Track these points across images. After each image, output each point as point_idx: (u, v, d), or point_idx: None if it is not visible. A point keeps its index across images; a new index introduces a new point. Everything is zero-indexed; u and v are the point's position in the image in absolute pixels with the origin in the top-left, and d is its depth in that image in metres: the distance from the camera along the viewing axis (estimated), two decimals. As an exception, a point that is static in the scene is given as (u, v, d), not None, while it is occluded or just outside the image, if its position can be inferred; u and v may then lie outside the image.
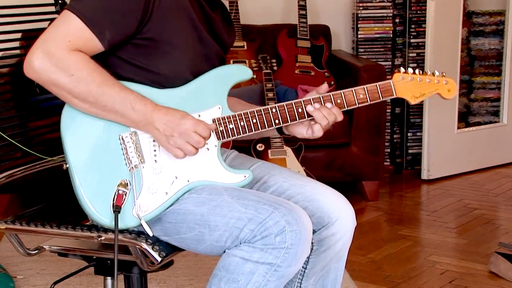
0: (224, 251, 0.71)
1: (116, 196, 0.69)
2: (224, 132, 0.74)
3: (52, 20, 0.74)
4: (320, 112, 0.74)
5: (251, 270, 0.68)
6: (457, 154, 1.93)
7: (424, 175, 1.89)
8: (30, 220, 0.79)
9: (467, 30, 2.06)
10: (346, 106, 0.75)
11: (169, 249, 0.74)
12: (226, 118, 0.74)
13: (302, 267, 0.78)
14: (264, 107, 0.75)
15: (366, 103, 0.75)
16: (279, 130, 0.78)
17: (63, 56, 0.68)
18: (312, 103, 0.74)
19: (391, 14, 1.94)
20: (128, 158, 0.71)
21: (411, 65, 1.95)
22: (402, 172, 1.99)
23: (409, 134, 1.98)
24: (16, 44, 0.87)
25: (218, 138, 0.75)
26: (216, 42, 0.78)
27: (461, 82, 2.02)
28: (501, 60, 2.06)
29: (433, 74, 0.75)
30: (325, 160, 1.67)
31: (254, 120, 0.74)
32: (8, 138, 0.77)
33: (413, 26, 1.94)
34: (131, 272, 0.79)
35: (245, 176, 0.74)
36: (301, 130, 0.77)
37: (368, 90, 0.75)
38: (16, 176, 0.82)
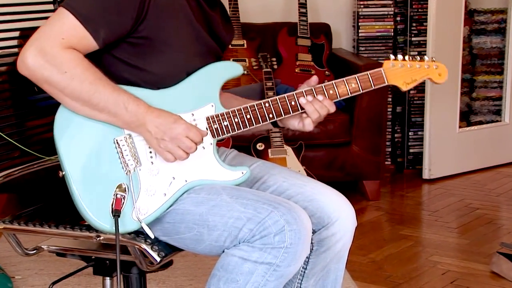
0: (223, 251, 0.70)
1: (114, 201, 0.69)
2: (219, 130, 0.74)
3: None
4: (312, 105, 0.74)
5: (250, 270, 0.68)
6: (458, 154, 1.92)
7: (426, 175, 1.88)
8: (28, 220, 0.79)
9: (469, 28, 2.04)
10: (338, 97, 0.74)
11: (168, 249, 0.74)
12: (220, 115, 0.74)
13: (302, 267, 0.78)
14: (257, 102, 0.74)
15: (359, 92, 0.74)
16: (273, 122, 0.78)
17: (56, 54, 0.67)
18: (305, 95, 0.74)
19: (392, 12, 1.93)
20: (124, 162, 0.71)
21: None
22: (403, 171, 1.98)
23: (410, 133, 1.97)
24: (14, 42, 0.87)
25: (213, 136, 0.74)
26: (214, 41, 0.78)
27: (463, 81, 2.00)
28: (503, 59, 2.06)
29: (423, 59, 0.75)
30: (326, 159, 1.66)
31: (248, 116, 0.74)
32: (6, 137, 0.77)
33: (414, 24, 1.94)
34: (130, 272, 0.79)
35: (242, 173, 0.74)
36: (293, 122, 0.77)
37: (360, 79, 0.74)
38: (14, 175, 0.82)
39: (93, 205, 0.70)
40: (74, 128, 0.71)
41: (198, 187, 0.73)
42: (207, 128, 0.74)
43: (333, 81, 0.75)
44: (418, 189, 1.82)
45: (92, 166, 0.70)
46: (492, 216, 1.60)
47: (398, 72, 0.74)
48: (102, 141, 0.71)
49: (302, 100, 0.74)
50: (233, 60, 1.75)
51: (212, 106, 0.74)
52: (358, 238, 1.43)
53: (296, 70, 1.80)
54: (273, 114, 0.74)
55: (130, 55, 0.72)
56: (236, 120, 0.73)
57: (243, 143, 1.55)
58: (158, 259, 0.72)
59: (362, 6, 1.91)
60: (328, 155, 1.66)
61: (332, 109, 0.75)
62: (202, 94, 0.74)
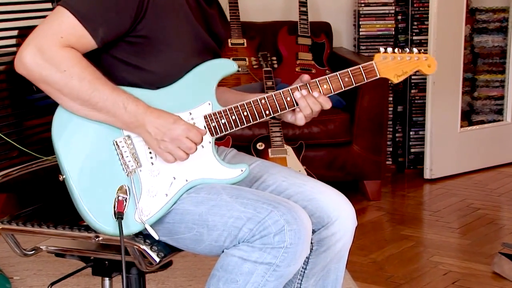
0: (223, 251, 0.70)
1: (116, 203, 0.69)
2: (217, 128, 0.74)
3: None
4: (305, 100, 0.74)
5: (250, 270, 0.68)
6: (460, 153, 1.91)
7: (427, 175, 1.88)
8: (27, 220, 0.78)
9: (470, 27, 2.04)
10: (332, 91, 0.75)
11: (168, 250, 0.74)
12: (217, 113, 0.73)
13: (302, 267, 0.77)
14: (253, 99, 0.74)
15: (352, 86, 0.75)
16: None
17: (55, 52, 0.67)
18: (299, 90, 0.74)
19: (393, 11, 1.92)
20: (124, 163, 0.71)
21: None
22: (404, 171, 1.97)
23: (411, 133, 1.96)
24: (13, 41, 0.86)
25: (212, 134, 0.74)
26: (212, 38, 0.77)
27: (464, 80, 1.99)
28: (505, 58, 2.05)
29: (412, 51, 0.76)
30: (326, 159, 1.66)
31: (245, 113, 0.74)
32: (4, 137, 0.76)
33: (415, 23, 1.93)
34: (129, 272, 0.78)
35: (242, 170, 0.74)
36: (287, 114, 0.77)
37: (352, 73, 0.75)
38: (12, 175, 0.81)
39: (95, 208, 0.69)
40: (72, 130, 0.70)
41: (198, 187, 0.73)
42: (205, 127, 0.73)
43: (327, 76, 0.75)
44: (419, 189, 1.81)
45: (92, 169, 0.70)
46: (493, 216, 1.60)
47: (389, 65, 0.75)
48: (101, 143, 0.70)
49: (296, 95, 0.74)
50: (233, 59, 1.73)
51: (209, 104, 0.74)
52: (359, 238, 1.44)
53: (297, 69, 1.79)
54: (269, 111, 0.74)
55: (129, 55, 0.72)
56: (233, 117, 0.73)
57: (243, 143, 1.55)
58: (158, 260, 0.72)
59: (363, 5, 1.91)
60: (329, 155, 1.65)
61: (328, 105, 0.75)
62: (198, 93, 0.74)
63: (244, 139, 1.58)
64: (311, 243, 0.75)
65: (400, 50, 0.76)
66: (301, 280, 0.78)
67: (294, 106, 0.75)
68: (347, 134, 1.65)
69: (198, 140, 0.70)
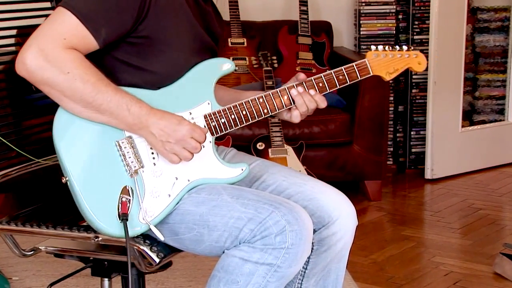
0: (224, 252, 0.70)
1: (120, 204, 0.68)
2: (217, 127, 0.74)
3: (48, 16, 0.72)
4: (301, 97, 0.75)
5: (251, 271, 0.67)
6: (461, 153, 1.91)
7: (428, 175, 1.87)
8: (26, 221, 0.78)
9: (472, 26, 2.03)
10: (328, 89, 0.76)
11: (168, 250, 0.73)
12: (217, 113, 0.74)
13: (303, 267, 0.77)
14: (251, 98, 0.75)
15: (346, 84, 0.76)
16: None
17: (58, 54, 0.66)
18: (295, 87, 0.75)
19: (394, 10, 1.92)
20: (127, 164, 0.70)
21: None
22: (405, 171, 1.97)
23: (412, 133, 1.96)
24: (12, 40, 0.86)
25: (212, 134, 0.74)
26: (210, 36, 0.77)
27: (466, 80, 1.99)
28: (506, 57, 2.04)
29: (402, 49, 0.78)
30: (327, 159, 1.65)
31: (244, 112, 0.74)
32: (1, 138, 0.76)
33: (416, 22, 1.92)
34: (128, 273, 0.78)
35: (242, 169, 0.74)
36: (282, 112, 0.77)
37: (346, 71, 0.76)
38: (11, 175, 0.81)
39: (99, 210, 0.69)
40: (74, 132, 0.70)
41: (199, 187, 0.72)
42: (205, 126, 0.73)
43: (322, 74, 0.76)
44: (420, 189, 1.81)
45: (95, 170, 0.69)
46: (495, 217, 1.59)
47: (381, 62, 0.76)
48: (103, 144, 0.70)
49: (293, 92, 0.75)
50: (233, 59, 1.74)
51: (209, 103, 0.74)
52: (360, 238, 1.44)
53: (297, 69, 1.79)
54: (267, 109, 0.75)
55: (130, 56, 0.71)
56: (233, 117, 0.74)
57: (243, 143, 1.54)
58: (157, 260, 0.71)
59: (363, 4, 1.90)
60: (329, 155, 1.65)
61: (323, 104, 0.76)
62: (198, 92, 0.74)
63: (244, 139, 1.57)
64: (312, 243, 0.75)
65: (390, 47, 0.77)
66: (302, 280, 0.77)
67: (291, 105, 0.75)
68: (347, 134, 1.65)
69: (202, 140, 0.70)
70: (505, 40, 2.04)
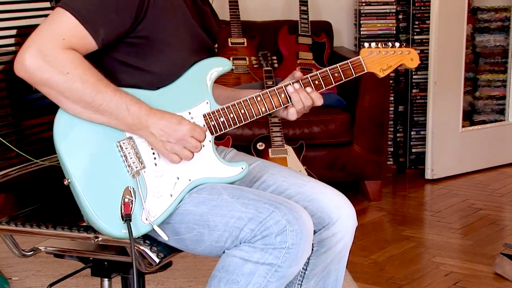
0: (224, 252, 0.70)
1: (123, 205, 0.68)
2: (217, 126, 0.74)
3: (47, 16, 0.72)
4: (297, 94, 0.75)
5: (251, 271, 0.67)
6: (461, 153, 1.90)
7: (428, 175, 1.87)
8: (26, 221, 0.78)
9: (472, 26, 2.03)
10: (324, 86, 0.77)
11: (168, 250, 0.73)
12: (216, 112, 0.74)
13: (302, 268, 0.77)
14: (249, 96, 0.75)
15: (342, 81, 0.77)
16: None
17: (57, 54, 0.66)
18: (292, 84, 0.76)
19: (394, 10, 1.92)
20: (129, 165, 0.70)
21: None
22: (405, 171, 1.97)
23: (412, 133, 1.96)
24: (11, 40, 0.86)
25: (212, 133, 0.74)
26: (207, 36, 0.78)
27: (466, 80, 1.99)
28: (507, 57, 2.04)
29: (394, 46, 0.78)
30: (327, 159, 1.65)
31: (243, 111, 0.74)
32: (0, 138, 0.76)
33: (416, 22, 1.92)
34: (128, 273, 0.78)
35: (242, 168, 0.74)
36: (279, 109, 0.78)
37: (341, 69, 0.77)
38: (11, 175, 0.81)
39: (101, 211, 0.69)
40: (75, 133, 0.70)
41: (199, 187, 0.72)
42: (204, 126, 0.74)
43: (317, 72, 0.77)
44: (421, 189, 1.81)
45: (97, 172, 0.69)
46: (495, 217, 1.59)
47: (375, 59, 0.77)
48: (104, 145, 0.70)
49: (289, 89, 0.75)
50: (234, 59, 1.74)
51: (207, 103, 0.74)
52: (360, 239, 1.43)
53: (297, 69, 1.77)
54: (265, 108, 0.75)
55: (129, 56, 0.71)
56: (231, 115, 0.74)
57: (243, 143, 1.54)
58: (157, 260, 0.71)
59: (364, 4, 1.90)
60: (329, 155, 1.65)
61: (319, 102, 0.76)
62: (196, 92, 0.74)
63: (244, 139, 1.57)
64: (312, 244, 0.74)
65: (383, 44, 0.78)
66: (302, 281, 0.77)
67: (289, 103, 0.76)
68: (347, 134, 1.65)
69: (202, 139, 0.71)
70: (506, 40, 2.04)
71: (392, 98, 1.94)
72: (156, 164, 0.71)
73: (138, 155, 0.70)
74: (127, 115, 0.68)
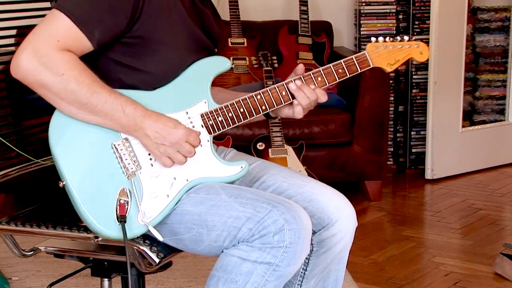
0: (222, 251, 0.70)
1: (118, 207, 0.68)
2: (214, 126, 0.74)
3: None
4: (301, 91, 0.74)
5: (249, 270, 0.67)
6: (461, 153, 1.90)
7: (428, 175, 1.87)
8: (26, 221, 0.78)
9: (472, 26, 2.03)
10: (327, 83, 0.75)
11: (167, 250, 0.73)
12: (214, 111, 0.73)
13: (302, 268, 0.77)
14: (249, 95, 0.74)
15: (346, 77, 0.75)
16: (266, 114, 0.78)
17: (53, 56, 0.66)
18: (294, 81, 0.74)
19: (394, 10, 1.92)
20: (124, 166, 0.70)
21: (414, 63, 1.93)
22: (405, 171, 1.97)
23: (412, 133, 1.96)
24: (12, 40, 0.86)
25: (210, 133, 0.74)
26: (207, 36, 0.77)
27: (466, 80, 1.99)
28: (507, 57, 2.04)
29: (403, 39, 0.77)
30: (327, 159, 1.65)
31: (242, 110, 0.74)
32: (0, 138, 0.76)
33: (416, 22, 1.92)
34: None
35: (241, 167, 0.74)
36: (284, 109, 0.77)
37: (346, 64, 0.75)
38: (11, 175, 0.81)
39: (97, 213, 0.69)
40: (70, 135, 0.70)
41: (197, 187, 0.72)
42: (202, 126, 0.73)
43: (320, 68, 0.75)
44: (421, 190, 1.81)
45: (92, 174, 0.69)
46: (495, 217, 1.59)
47: (382, 54, 0.76)
48: (100, 147, 0.70)
49: (291, 86, 0.74)
50: (233, 59, 1.74)
51: (205, 102, 0.74)
52: (360, 239, 1.43)
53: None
54: (265, 106, 0.74)
55: (125, 56, 0.71)
56: (230, 114, 0.73)
57: (243, 143, 1.54)
58: (157, 260, 0.71)
59: (364, 4, 1.90)
60: (329, 155, 1.65)
61: (324, 98, 0.75)
62: (194, 92, 0.73)
63: (244, 139, 1.57)
64: (311, 244, 0.75)
65: (391, 38, 0.76)
66: (301, 282, 0.77)
67: (290, 100, 0.75)
68: (347, 134, 1.65)
69: (197, 144, 0.70)
70: (506, 40, 2.04)
71: (392, 98, 1.94)
72: (152, 165, 0.71)
73: (134, 156, 0.70)
74: (122, 116, 0.68)
